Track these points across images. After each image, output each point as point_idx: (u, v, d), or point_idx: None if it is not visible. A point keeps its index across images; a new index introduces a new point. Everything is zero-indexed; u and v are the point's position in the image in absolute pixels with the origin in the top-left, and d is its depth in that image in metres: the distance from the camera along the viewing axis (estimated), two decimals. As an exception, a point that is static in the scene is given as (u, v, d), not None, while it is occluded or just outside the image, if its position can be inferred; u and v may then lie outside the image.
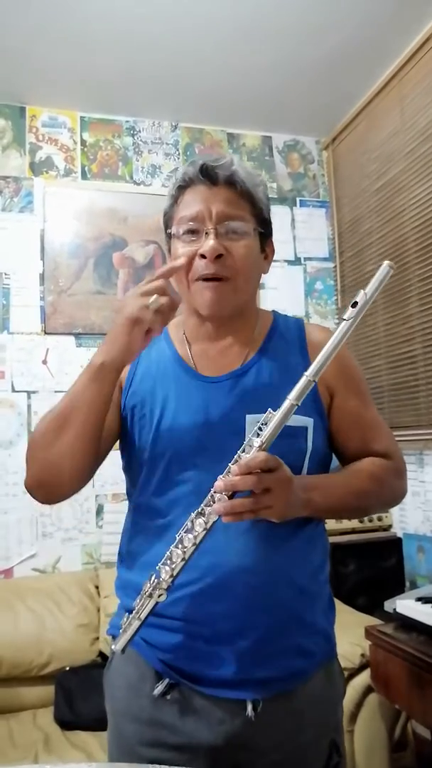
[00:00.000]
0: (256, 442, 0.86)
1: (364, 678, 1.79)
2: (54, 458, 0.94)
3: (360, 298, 0.86)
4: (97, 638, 2.25)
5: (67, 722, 1.97)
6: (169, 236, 1.05)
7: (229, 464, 0.86)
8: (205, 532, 0.85)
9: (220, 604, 0.94)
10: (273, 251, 1.10)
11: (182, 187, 1.02)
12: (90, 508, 2.62)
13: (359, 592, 2.38)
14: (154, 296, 0.89)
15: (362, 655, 1.80)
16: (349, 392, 1.06)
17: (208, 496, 0.86)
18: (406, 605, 1.66)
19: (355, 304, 0.86)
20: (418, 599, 1.68)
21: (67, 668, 2.15)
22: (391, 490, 1.08)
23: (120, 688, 1.01)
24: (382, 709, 1.79)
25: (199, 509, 0.86)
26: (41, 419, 0.99)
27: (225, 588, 0.94)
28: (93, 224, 2.80)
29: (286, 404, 0.85)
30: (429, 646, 1.52)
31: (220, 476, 0.86)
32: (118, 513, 2.57)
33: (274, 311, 1.15)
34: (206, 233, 0.98)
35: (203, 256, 0.98)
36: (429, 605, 1.62)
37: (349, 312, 0.86)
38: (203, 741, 0.94)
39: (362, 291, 0.86)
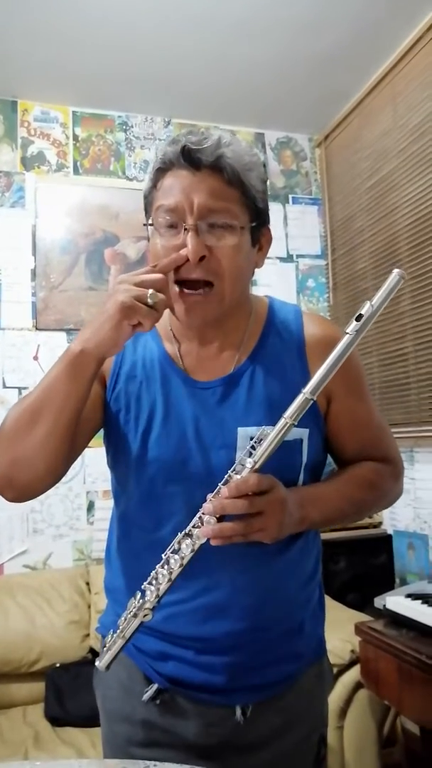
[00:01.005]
0: (249, 462, 0.80)
1: (353, 674, 1.80)
2: (24, 454, 0.85)
3: (365, 310, 0.78)
4: (88, 635, 2.24)
5: (57, 719, 1.97)
6: (149, 224, 0.92)
7: (219, 484, 0.81)
8: (192, 553, 0.80)
9: (214, 623, 0.91)
10: (269, 241, 0.97)
11: (162, 170, 0.88)
12: (81, 505, 2.61)
13: (349, 589, 2.39)
14: (152, 290, 0.80)
15: (352, 651, 1.81)
16: (350, 394, 0.98)
17: (196, 518, 0.81)
18: (395, 602, 1.67)
19: (359, 317, 0.78)
20: (408, 596, 1.69)
21: (58, 665, 2.14)
22: (386, 494, 1.03)
23: (112, 689, 1.00)
24: (371, 705, 1.80)
25: (187, 530, 0.81)
26: (10, 410, 0.88)
27: (219, 609, 0.91)
28: (85, 220, 2.79)
29: (281, 423, 0.79)
30: (418, 642, 1.53)
31: (209, 495, 0.81)
32: (108, 509, 2.54)
33: (269, 297, 1.04)
34: (185, 229, 0.85)
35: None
36: (418, 602, 1.63)
37: (353, 325, 0.78)
38: (195, 741, 0.94)
39: (368, 303, 0.78)
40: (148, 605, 0.81)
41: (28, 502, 0.94)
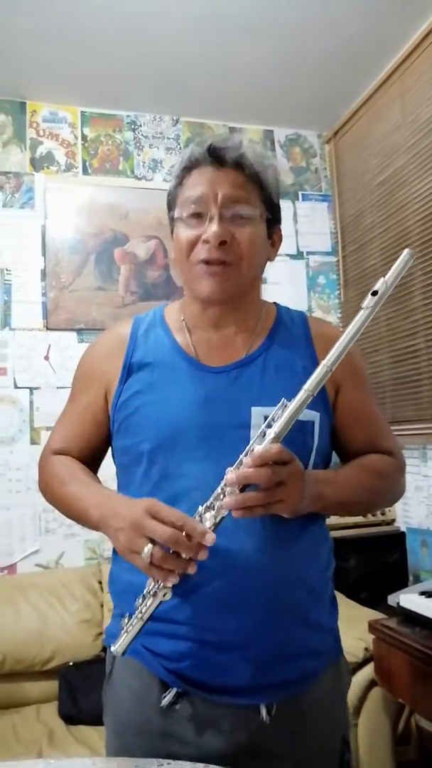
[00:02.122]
0: (270, 433, 0.82)
1: (367, 672, 1.79)
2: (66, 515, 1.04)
3: (380, 286, 0.82)
4: (100, 633, 2.25)
5: (70, 717, 1.97)
6: (172, 219, 1.01)
7: (241, 456, 0.82)
8: (214, 527, 0.81)
9: (232, 608, 0.90)
10: (280, 238, 1.06)
11: (188, 168, 0.97)
12: (93, 504, 2.61)
13: (363, 587, 2.38)
14: (148, 547, 0.79)
15: (366, 650, 1.80)
16: (356, 387, 1.03)
17: (218, 489, 0.82)
18: (409, 599, 1.66)
19: (375, 293, 0.82)
20: (422, 593, 1.68)
21: (71, 663, 2.15)
22: (393, 487, 1.07)
23: (124, 700, 0.96)
24: (385, 703, 1.79)
25: (208, 503, 0.82)
26: (50, 478, 1.06)
27: (236, 591, 0.89)
28: (94, 220, 2.79)
29: (301, 394, 0.82)
30: (432, 640, 1.52)
31: (231, 468, 0.82)
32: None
33: (276, 303, 1.12)
34: (210, 218, 0.94)
35: (206, 242, 0.93)
36: (432, 599, 1.62)
37: (368, 300, 0.82)
38: (215, 752, 0.89)
39: (382, 279, 0.82)
40: (168, 582, 0.81)
41: (40, 501, 1.03)
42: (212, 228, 0.93)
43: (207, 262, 0.95)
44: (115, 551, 1.04)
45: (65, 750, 1.80)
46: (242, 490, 0.81)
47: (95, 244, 2.79)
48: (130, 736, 0.95)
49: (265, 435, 0.83)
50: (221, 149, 0.94)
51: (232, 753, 0.90)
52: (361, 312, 0.82)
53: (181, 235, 0.97)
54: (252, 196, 0.96)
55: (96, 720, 1.89)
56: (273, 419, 0.83)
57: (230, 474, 0.81)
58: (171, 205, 1.01)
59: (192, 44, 2.44)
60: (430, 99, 2.39)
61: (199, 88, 2.75)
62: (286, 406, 0.83)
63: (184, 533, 0.79)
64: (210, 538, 0.78)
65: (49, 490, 1.04)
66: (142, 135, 2.94)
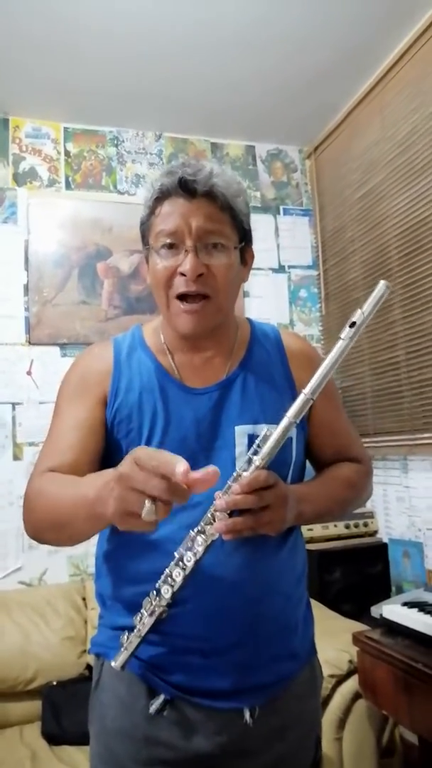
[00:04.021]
0: (256, 460, 0.85)
1: (352, 684, 1.79)
2: (51, 541, 0.94)
3: (357, 317, 0.84)
4: (85, 651, 2.23)
5: (54, 737, 1.94)
6: (147, 248, 1.02)
7: (228, 482, 0.85)
8: (205, 550, 0.84)
9: (218, 619, 0.94)
10: (252, 258, 1.08)
11: (159, 198, 0.98)
12: (76, 519, 2.60)
13: (346, 598, 2.38)
14: (148, 506, 0.69)
15: (350, 662, 1.80)
16: (327, 402, 1.07)
17: (208, 515, 0.85)
18: (392, 610, 1.67)
19: (353, 324, 0.84)
20: (404, 604, 1.69)
21: (54, 683, 2.12)
22: (362, 492, 1.13)
23: (111, 707, 0.99)
24: (370, 716, 1.79)
25: (199, 527, 0.85)
26: (36, 498, 0.91)
27: (222, 604, 0.94)
28: (77, 234, 2.80)
29: (284, 422, 0.84)
30: (415, 650, 1.53)
31: (219, 492, 0.85)
32: (104, 523, 2.54)
33: (248, 319, 1.15)
34: (186, 251, 0.95)
35: (183, 274, 0.95)
36: (415, 610, 1.63)
37: (347, 331, 0.84)
38: (199, 753, 0.94)
39: (359, 310, 0.84)
40: (164, 602, 0.85)
41: (20, 518, 0.97)
42: (188, 261, 0.94)
43: (184, 297, 0.97)
44: (98, 562, 1.10)
45: (49, 770, 1.77)
46: (230, 513, 0.85)
47: (78, 258, 2.79)
48: (116, 741, 0.97)
49: (251, 461, 0.86)
50: (192, 181, 0.94)
51: (215, 754, 0.95)
52: (340, 342, 0.84)
53: (157, 267, 0.98)
54: (225, 226, 0.97)
55: (80, 739, 1.87)
56: (258, 446, 0.86)
57: (219, 500, 0.84)
58: (144, 234, 1.02)
59: (175, 62, 2.47)
60: (408, 115, 2.44)
61: (181, 104, 2.78)
62: (270, 434, 0.85)
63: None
64: (185, 475, 0.68)
65: (35, 505, 0.92)
66: (125, 150, 2.96)
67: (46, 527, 0.92)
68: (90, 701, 1.05)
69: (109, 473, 0.76)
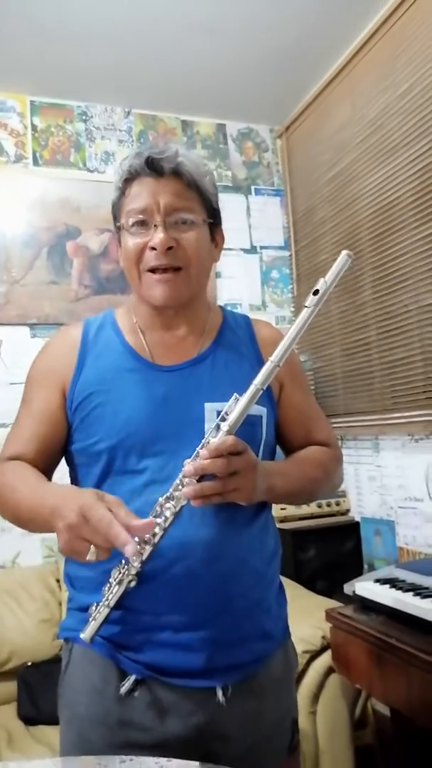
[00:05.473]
0: (224, 426, 0.88)
1: (325, 660, 1.83)
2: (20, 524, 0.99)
3: (320, 285, 0.88)
4: (59, 632, 2.22)
5: (30, 718, 1.95)
6: (118, 228, 1.05)
7: (197, 449, 0.88)
8: (174, 516, 0.86)
9: (189, 592, 0.94)
10: (223, 239, 1.11)
11: (129, 180, 1.01)
12: (48, 502, 2.58)
13: (319, 576, 2.42)
14: (93, 550, 0.79)
15: (323, 638, 1.84)
16: (295, 385, 1.12)
17: (177, 480, 0.87)
18: (364, 587, 1.70)
19: (316, 292, 0.88)
20: (377, 581, 1.72)
21: (29, 664, 2.12)
22: (332, 475, 1.14)
23: (82, 693, 0.99)
24: (343, 690, 1.84)
25: (168, 494, 0.87)
26: (1, 489, 0.99)
27: (193, 576, 0.94)
28: (46, 213, 2.74)
29: (251, 389, 0.88)
30: (387, 626, 1.56)
31: (188, 460, 0.87)
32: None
33: (221, 306, 1.19)
34: (155, 225, 0.98)
35: (153, 248, 0.98)
36: (387, 586, 1.66)
37: (310, 299, 0.88)
38: (173, 735, 0.94)
39: (322, 279, 0.88)
40: (132, 570, 0.86)
41: None
42: (158, 235, 0.97)
43: (155, 270, 1.00)
44: None
45: (26, 751, 1.78)
46: (199, 480, 0.87)
47: (48, 237, 2.74)
48: (90, 728, 0.97)
49: (219, 428, 0.88)
50: (159, 160, 0.98)
51: (189, 736, 0.95)
52: (304, 310, 0.88)
53: (128, 244, 1.01)
54: (192, 203, 1.01)
55: (56, 720, 1.87)
56: (226, 413, 0.89)
57: (188, 466, 0.86)
58: (116, 215, 1.05)
59: (143, 37, 2.41)
60: (377, 95, 2.44)
61: (150, 80, 2.72)
62: (237, 400, 0.89)
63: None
64: (129, 550, 0.77)
65: (3, 506, 1.01)
66: (93, 126, 2.90)
67: (9, 518, 1.01)
68: (59, 687, 1.05)
69: (66, 501, 0.82)
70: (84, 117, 2.88)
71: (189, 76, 2.69)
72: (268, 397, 1.04)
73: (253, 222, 3.12)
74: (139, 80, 2.72)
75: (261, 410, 1.02)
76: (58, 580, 2.36)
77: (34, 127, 2.80)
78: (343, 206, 2.69)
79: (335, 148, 2.74)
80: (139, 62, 2.58)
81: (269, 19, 2.35)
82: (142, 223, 0.99)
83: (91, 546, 0.79)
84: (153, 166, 0.98)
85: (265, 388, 0.88)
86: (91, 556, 0.79)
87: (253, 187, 3.15)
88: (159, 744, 0.94)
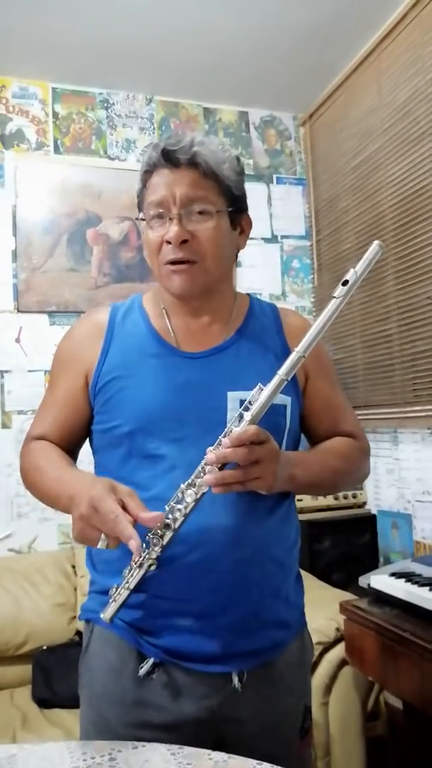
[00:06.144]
0: (247, 415, 0.88)
1: (338, 651, 1.82)
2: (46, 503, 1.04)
3: (350, 276, 0.86)
4: (74, 617, 2.25)
5: (44, 700, 1.97)
6: (142, 220, 1.05)
7: (220, 437, 0.88)
8: (195, 503, 0.87)
9: (208, 578, 0.95)
10: (249, 224, 1.09)
11: (148, 171, 1.02)
12: (66, 488, 2.60)
13: (334, 568, 2.41)
14: (103, 537, 0.82)
15: (337, 629, 1.83)
16: (322, 375, 1.11)
17: (198, 468, 0.88)
18: (379, 580, 1.69)
19: (345, 282, 0.86)
20: (392, 574, 1.71)
21: (44, 647, 2.15)
22: (360, 468, 1.14)
23: (100, 672, 1.01)
24: (356, 682, 1.83)
25: (190, 480, 0.88)
26: (28, 470, 1.06)
27: (213, 563, 0.95)
28: (67, 200, 2.74)
29: (276, 379, 0.88)
30: (401, 619, 1.55)
31: (210, 448, 0.87)
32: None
33: (249, 295, 1.17)
34: (170, 219, 0.98)
35: (169, 242, 0.98)
36: (402, 580, 1.65)
37: (339, 290, 0.87)
38: (188, 716, 0.96)
39: (352, 269, 0.86)
40: (153, 554, 0.86)
41: (12, 485, 1.02)
42: (173, 229, 0.98)
43: (172, 263, 1.00)
44: None
45: (40, 733, 1.80)
46: (221, 468, 0.87)
47: (68, 224, 2.74)
48: (107, 706, 0.99)
49: (242, 417, 0.88)
50: (174, 151, 0.98)
51: (203, 718, 0.96)
52: (333, 301, 0.87)
53: (149, 237, 1.02)
54: (209, 192, 1.00)
55: (70, 703, 1.90)
56: (250, 402, 0.89)
57: (210, 454, 0.87)
58: (140, 207, 1.06)
59: (167, 22, 2.38)
60: (406, 81, 2.39)
61: (173, 66, 2.70)
62: (261, 390, 0.88)
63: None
64: (134, 545, 0.80)
65: (28, 478, 1.06)
66: (115, 114, 2.89)
67: (36, 497, 1.05)
68: (80, 667, 1.07)
69: (81, 491, 0.86)
70: (106, 104, 2.87)
71: (211, 61, 2.66)
72: (293, 386, 1.04)
73: (274, 211, 3.09)
74: (161, 66, 2.70)
75: (285, 399, 1.02)
76: (73, 566, 2.38)
77: (55, 115, 2.80)
78: (367, 195, 2.65)
79: (360, 135, 2.70)
80: (161, 48, 2.55)
81: (294, 2, 2.30)
82: (160, 217, 1.00)
83: (102, 534, 0.82)
84: (168, 158, 0.98)
85: (289, 378, 0.88)
86: (101, 544, 0.82)
87: (275, 176, 3.12)
88: (173, 724, 0.96)
